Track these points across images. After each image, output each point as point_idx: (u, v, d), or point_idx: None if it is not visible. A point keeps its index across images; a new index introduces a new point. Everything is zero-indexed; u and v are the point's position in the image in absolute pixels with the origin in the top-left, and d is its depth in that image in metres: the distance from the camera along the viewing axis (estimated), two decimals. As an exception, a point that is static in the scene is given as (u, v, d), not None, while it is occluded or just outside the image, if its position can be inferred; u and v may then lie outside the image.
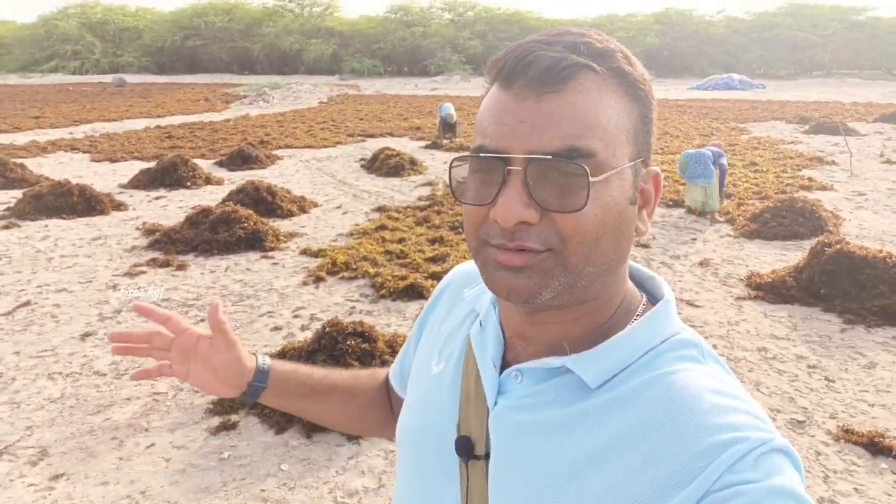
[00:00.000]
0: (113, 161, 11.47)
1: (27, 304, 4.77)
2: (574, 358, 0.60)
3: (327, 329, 3.40)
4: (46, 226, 7.00)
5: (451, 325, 0.77)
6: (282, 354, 3.55)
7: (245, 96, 27.35)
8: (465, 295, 0.76)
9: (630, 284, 0.66)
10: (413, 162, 10.67)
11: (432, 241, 6.42)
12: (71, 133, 15.48)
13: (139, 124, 17.45)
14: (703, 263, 5.95)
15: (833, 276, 4.96)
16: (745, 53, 51.37)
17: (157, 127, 16.61)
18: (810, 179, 9.66)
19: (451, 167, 0.61)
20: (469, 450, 0.64)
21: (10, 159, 9.53)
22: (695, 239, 6.83)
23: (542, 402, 0.61)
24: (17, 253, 6.02)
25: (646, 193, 0.62)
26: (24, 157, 11.43)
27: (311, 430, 3.12)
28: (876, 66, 50.68)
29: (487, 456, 0.63)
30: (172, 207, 7.98)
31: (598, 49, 0.57)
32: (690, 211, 7.77)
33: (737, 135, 15.26)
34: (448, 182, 0.65)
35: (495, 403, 0.63)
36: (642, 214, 0.62)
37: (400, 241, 6.43)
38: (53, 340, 4.17)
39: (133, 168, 10.42)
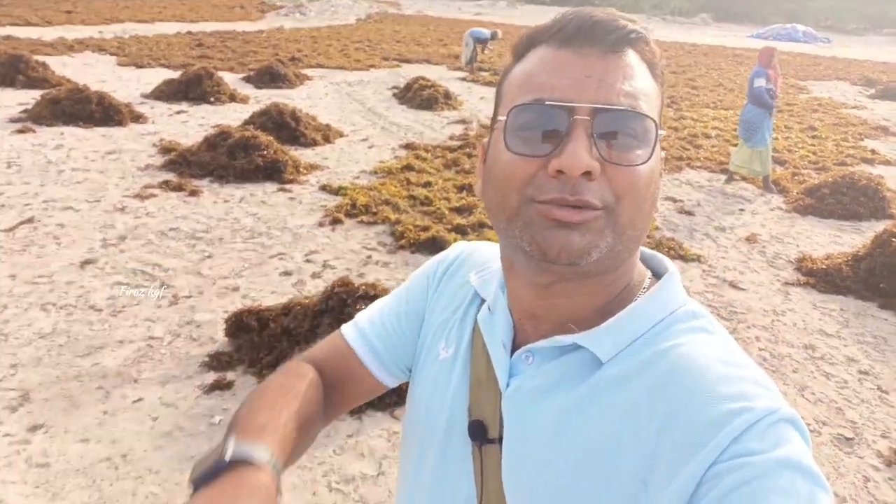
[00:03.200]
0: (139, 67, 11.08)
1: (30, 220, 4.55)
2: (585, 334, 0.59)
3: (336, 289, 3.10)
4: (62, 133, 6.73)
5: (457, 308, 0.75)
6: (287, 309, 3.27)
7: (282, 7, 26.37)
8: (471, 280, 0.75)
9: (638, 261, 0.66)
10: (448, 96, 10.10)
11: (460, 189, 6.01)
12: (100, 32, 15.02)
13: (171, 28, 16.89)
14: (750, 239, 5.49)
15: (897, 272, 4.50)
16: (813, 2, 47.95)
17: (189, 33, 16.05)
18: (873, 152, 8.92)
19: (508, 116, 0.58)
20: (482, 434, 0.64)
21: (32, 57, 9.18)
22: (742, 210, 6.32)
23: (554, 380, 0.61)
24: (27, 161, 5.78)
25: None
26: (49, 55, 11.09)
27: (311, 398, 2.87)
28: (954, 27, 47.01)
29: (501, 439, 0.62)
30: (193, 124, 7.64)
31: (641, 28, 0.60)
32: (731, 177, 7.14)
33: (795, 93, 14.24)
34: (504, 131, 0.57)
35: (507, 386, 0.63)
36: None
37: (426, 184, 6.04)
38: (52, 265, 3.96)
39: (159, 76, 10.03)
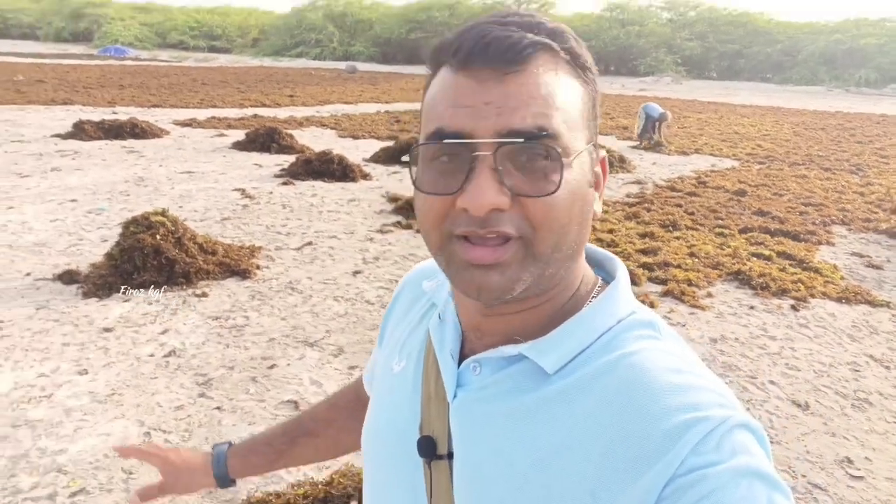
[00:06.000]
0: (355, 138, 13.22)
1: (310, 243, 6.01)
2: (530, 345, 0.59)
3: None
4: (313, 186, 8.50)
5: (412, 321, 0.76)
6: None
7: (459, 88, 29.12)
8: (424, 286, 0.76)
9: (585, 267, 0.65)
10: (622, 160, 10.87)
11: (642, 236, 6.70)
12: (318, 112, 17.93)
13: (371, 108, 19.62)
14: (946, 293, 5.51)
15: None
16: None
17: (387, 112, 18.56)
18: None
19: (411, 154, 0.58)
20: (431, 450, 0.63)
21: (283, 130, 11.52)
22: (939, 268, 6.27)
23: (502, 391, 0.60)
24: (296, 204, 7.48)
25: (598, 176, 0.62)
26: (285, 129, 13.64)
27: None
28: None
29: (451, 455, 0.62)
30: (407, 181, 9.14)
31: (551, 28, 0.57)
32: None
33: None
34: (412, 170, 0.59)
35: (455, 397, 0.62)
36: (596, 197, 0.62)
37: (610, 231, 6.81)
38: (333, 273, 5.28)
39: (371, 145, 11.96)
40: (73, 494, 2.51)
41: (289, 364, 3.72)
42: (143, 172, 8.82)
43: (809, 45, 49.46)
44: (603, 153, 0.63)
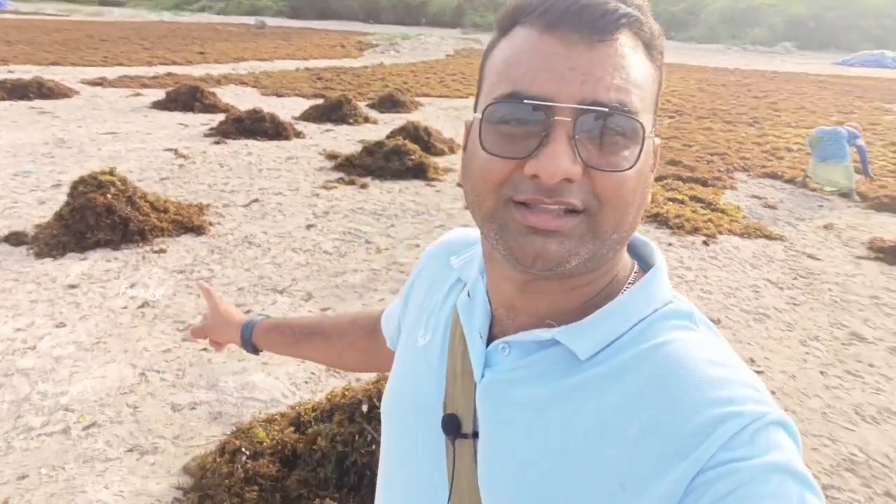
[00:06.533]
0: (279, 96, 12.99)
1: (257, 200, 6.11)
2: (564, 329, 0.58)
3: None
4: (246, 145, 8.44)
5: (437, 295, 0.76)
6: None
7: (377, 45, 28.71)
8: (452, 263, 0.75)
9: (625, 253, 0.64)
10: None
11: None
12: (234, 69, 17.31)
13: (289, 65, 19.12)
14: (828, 227, 6.39)
15: (956, 245, 5.32)
16: (904, 27, 46.62)
17: (307, 69, 18.18)
18: (954, 163, 9.48)
19: (484, 112, 0.54)
20: (456, 428, 0.63)
21: (206, 88, 11.18)
22: (821, 206, 7.21)
23: (532, 375, 0.59)
24: (233, 163, 7.46)
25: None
26: (206, 87, 13.18)
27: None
28: None
29: (475, 435, 0.62)
30: (341, 139, 9.25)
31: (638, 4, 0.55)
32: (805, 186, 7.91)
33: (880, 115, 14.68)
34: (480, 128, 0.55)
35: (482, 376, 0.62)
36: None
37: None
38: (286, 227, 5.44)
39: (297, 103, 11.83)
40: (86, 428, 2.69)
41: (263, 309, 3.94)
42: (62, 134, 8.44)
43: (710, 5, 51.99)
44: (658, 141, 0.60)
